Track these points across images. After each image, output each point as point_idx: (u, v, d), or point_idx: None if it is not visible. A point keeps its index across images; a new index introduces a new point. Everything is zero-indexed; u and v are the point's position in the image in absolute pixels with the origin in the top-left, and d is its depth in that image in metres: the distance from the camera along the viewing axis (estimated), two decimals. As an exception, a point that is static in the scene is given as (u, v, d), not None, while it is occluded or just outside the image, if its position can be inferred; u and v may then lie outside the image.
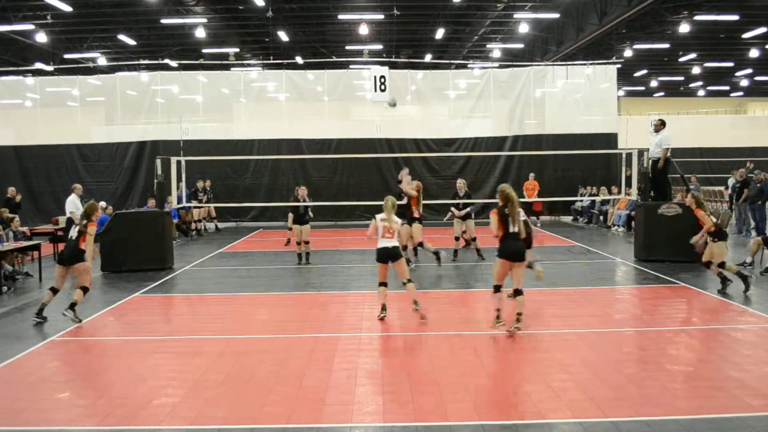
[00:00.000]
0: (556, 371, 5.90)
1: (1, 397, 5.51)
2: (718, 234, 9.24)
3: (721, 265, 9.19)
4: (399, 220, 8.13)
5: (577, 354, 6.46)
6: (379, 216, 8.00)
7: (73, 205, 12.72)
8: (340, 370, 6.05)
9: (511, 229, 7.12)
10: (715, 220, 9.34)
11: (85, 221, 8.34)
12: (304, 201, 12.67)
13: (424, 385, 5.61)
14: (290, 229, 13.66)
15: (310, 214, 12.92)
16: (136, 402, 5.31)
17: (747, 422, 4.71)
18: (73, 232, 8.32)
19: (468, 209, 12.86)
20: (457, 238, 12.82)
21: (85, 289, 8.07)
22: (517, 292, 7.13)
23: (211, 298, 9.78)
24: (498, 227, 7.17)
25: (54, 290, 8.14)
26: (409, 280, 8.01)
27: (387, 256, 7.88)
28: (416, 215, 11.56)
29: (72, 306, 7.88)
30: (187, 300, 9.88)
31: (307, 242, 12.47)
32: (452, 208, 13.09)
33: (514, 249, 7.14)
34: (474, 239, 12.86)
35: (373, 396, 5.37)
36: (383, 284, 7.97)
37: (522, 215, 7.37)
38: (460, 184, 13.24)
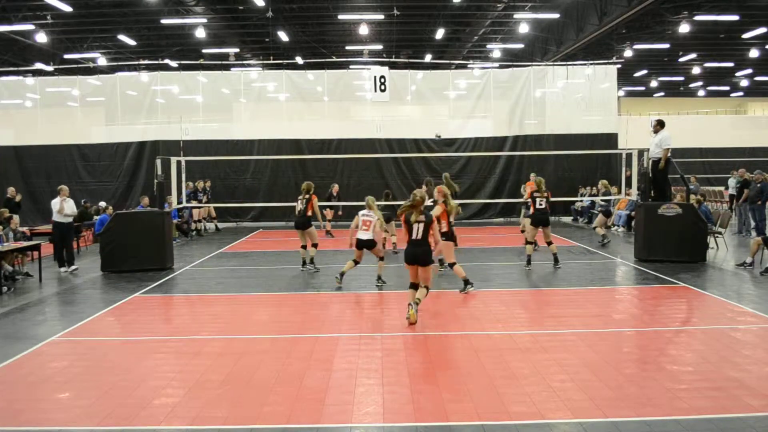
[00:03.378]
0: (556, 371, 5.90)
1: (1, 398, 5.50)
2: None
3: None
4: (374, 215, 9.84)
5: (577, 354, 6.46)
6: (361, 212, 9.95)
7: (59, 205, 11.84)
8: (340, 370, 6.05)
9: (413, 236, 7.71)
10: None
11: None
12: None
13: (424, 385, 5.61)
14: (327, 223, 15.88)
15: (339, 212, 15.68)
16: (136, 402, 5.30)
17: (747, 422, 4.71)
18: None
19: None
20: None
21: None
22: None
23: (211, 298, 9.78)
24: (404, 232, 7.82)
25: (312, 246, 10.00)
26: (381, 258, 10.15)
27: (363, 245, 9.92)
28: (444, 229, 9.52)
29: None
30: (187, 300, 9.87)
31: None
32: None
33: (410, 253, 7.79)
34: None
35: (373, 396, 5.37)
36: (357, 262, 10.10)
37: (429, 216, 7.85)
38: (336, 187, 13.66)
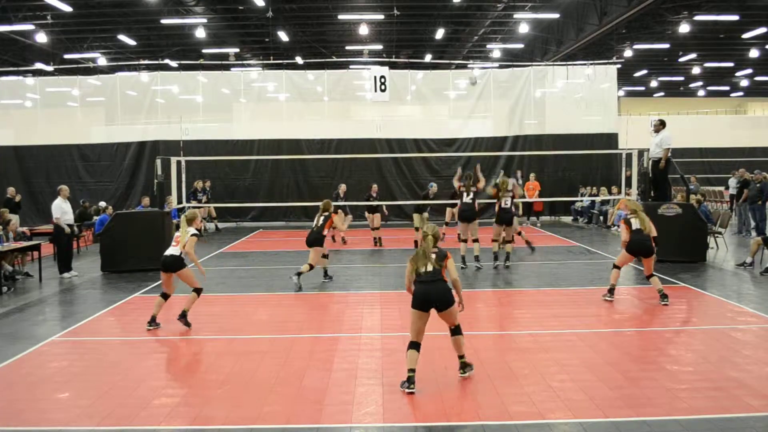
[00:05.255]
0: (556, 371, 5.90)
1: (1, 397, 5.51)
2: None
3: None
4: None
5: (577, 354, 6.46)
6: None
7: (59, 209, 11.44)
8: (340, 370, 6.05)
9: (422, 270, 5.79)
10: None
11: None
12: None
13: (424, 385, 5.60)
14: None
15: (385, 211, 16.30)
16: (136, 402, 5.30)
17: (747, 422, 4.72)
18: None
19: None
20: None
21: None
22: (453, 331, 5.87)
23: (211, 298, 9.76)
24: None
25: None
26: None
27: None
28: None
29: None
30: (187, 300, 9.84)
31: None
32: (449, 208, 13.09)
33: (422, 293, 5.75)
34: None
35: (373, 396, 5.37)
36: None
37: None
38: (375, 187, 13.62)
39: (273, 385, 5.69)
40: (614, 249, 14.01)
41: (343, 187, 16.05)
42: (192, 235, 7.89)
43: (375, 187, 16.12)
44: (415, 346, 5.61)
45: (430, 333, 7.21)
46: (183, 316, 7.75)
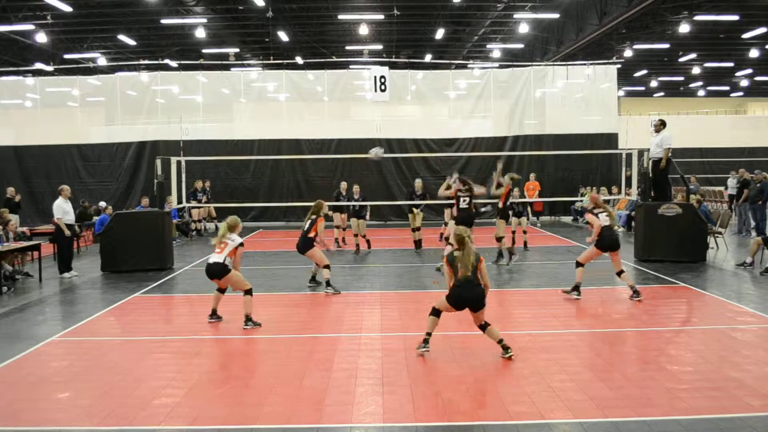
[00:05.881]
0: (556, 371, 5.90)
1: (1, 397, 5.50)
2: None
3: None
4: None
5: (577, 354, 6.46)
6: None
7: (60, 210, 11.40)
8: (340, 370, 6.05)
9: (459, 275, 6.19)
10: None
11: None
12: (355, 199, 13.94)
13: (424, 385, 5.61)
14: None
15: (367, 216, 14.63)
16: (136, 402, 5.30)
17: (747, 422, 4.72)
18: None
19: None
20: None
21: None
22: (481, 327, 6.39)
23: (211, 298, 9.75)
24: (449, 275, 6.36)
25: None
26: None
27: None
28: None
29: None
30: (187, 300, 9.87)
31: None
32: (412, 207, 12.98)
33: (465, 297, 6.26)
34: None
35: (373, 396, 5.37)
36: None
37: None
38: (419, 183, 13.27)
39: (273, 385, 5.69)
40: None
41: (343, 185, 15.38)
42: (240, 245, 7.84)
43: (344, 185, 14.87)
44: (437, 313, 6.45)
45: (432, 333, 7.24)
46: (249, 320, 7.69)
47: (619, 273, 8.88)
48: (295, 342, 7.12)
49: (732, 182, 20.75)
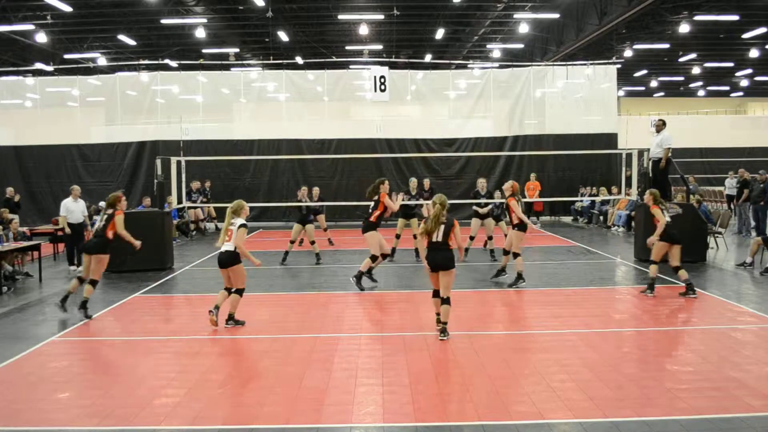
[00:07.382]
0: (556, 371, 5.90)
1: (1, 397, 5.50)
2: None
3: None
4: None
5: (577, 354, 6.46)
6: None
7: (65, 208, 12.03)
8: (340, 370, 6.05)
9: (433, 239, 7.02)
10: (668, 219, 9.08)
11: (111, 211, 8.60)
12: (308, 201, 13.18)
13: (424, 385, 5.61)
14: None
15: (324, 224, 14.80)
16: (136, 402, 5.30)
17: (747, 422, 4.71)
18: (99, 223, 8.57)
19: (490, 207, 12.80)
20: (472, 237, 12.78)
21: (94, 283, 8.24)
22: (443, 301, 7.03)
23: (211, 298, 9.70)
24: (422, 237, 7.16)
25: (80, 279, 8.38)
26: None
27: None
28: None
29: (83, 304, 8.09)
30: (187, 300, 9.88)
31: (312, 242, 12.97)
32: (474, 207, 13.01)
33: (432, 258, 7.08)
34: (491, 238, 12.80)
35: (373, 396, 5.36)
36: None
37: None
38: (483, 183, 13.22)
39: (273, 385, 5.69)
40: (614, 249, 14.02)
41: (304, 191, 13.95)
42: (240, 226, 7.77)
43: (316, 190, 13.99)
44: (437, 294, 7.10)
45: (430, 333, 7.24)
46: (231, 319, 7.72)
47: (678, 269, 9.06)
48: (295, 342, 7.12)
49: (730, 182, 20.75)
